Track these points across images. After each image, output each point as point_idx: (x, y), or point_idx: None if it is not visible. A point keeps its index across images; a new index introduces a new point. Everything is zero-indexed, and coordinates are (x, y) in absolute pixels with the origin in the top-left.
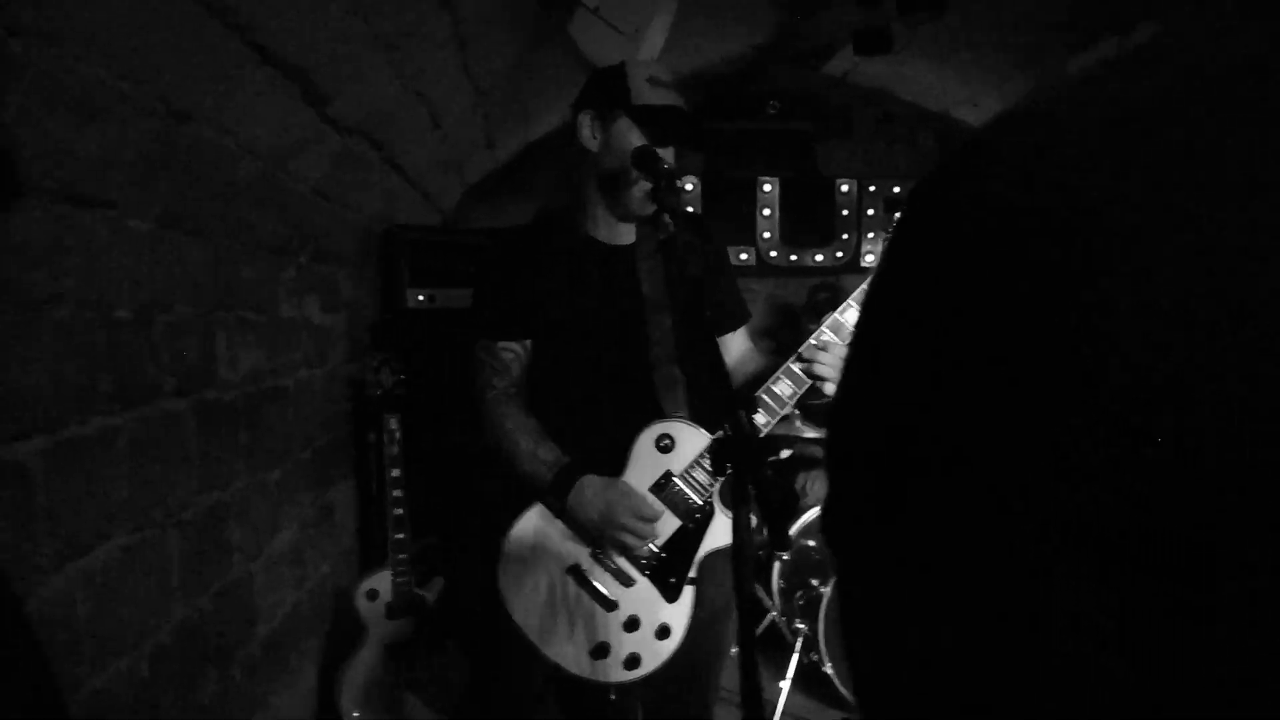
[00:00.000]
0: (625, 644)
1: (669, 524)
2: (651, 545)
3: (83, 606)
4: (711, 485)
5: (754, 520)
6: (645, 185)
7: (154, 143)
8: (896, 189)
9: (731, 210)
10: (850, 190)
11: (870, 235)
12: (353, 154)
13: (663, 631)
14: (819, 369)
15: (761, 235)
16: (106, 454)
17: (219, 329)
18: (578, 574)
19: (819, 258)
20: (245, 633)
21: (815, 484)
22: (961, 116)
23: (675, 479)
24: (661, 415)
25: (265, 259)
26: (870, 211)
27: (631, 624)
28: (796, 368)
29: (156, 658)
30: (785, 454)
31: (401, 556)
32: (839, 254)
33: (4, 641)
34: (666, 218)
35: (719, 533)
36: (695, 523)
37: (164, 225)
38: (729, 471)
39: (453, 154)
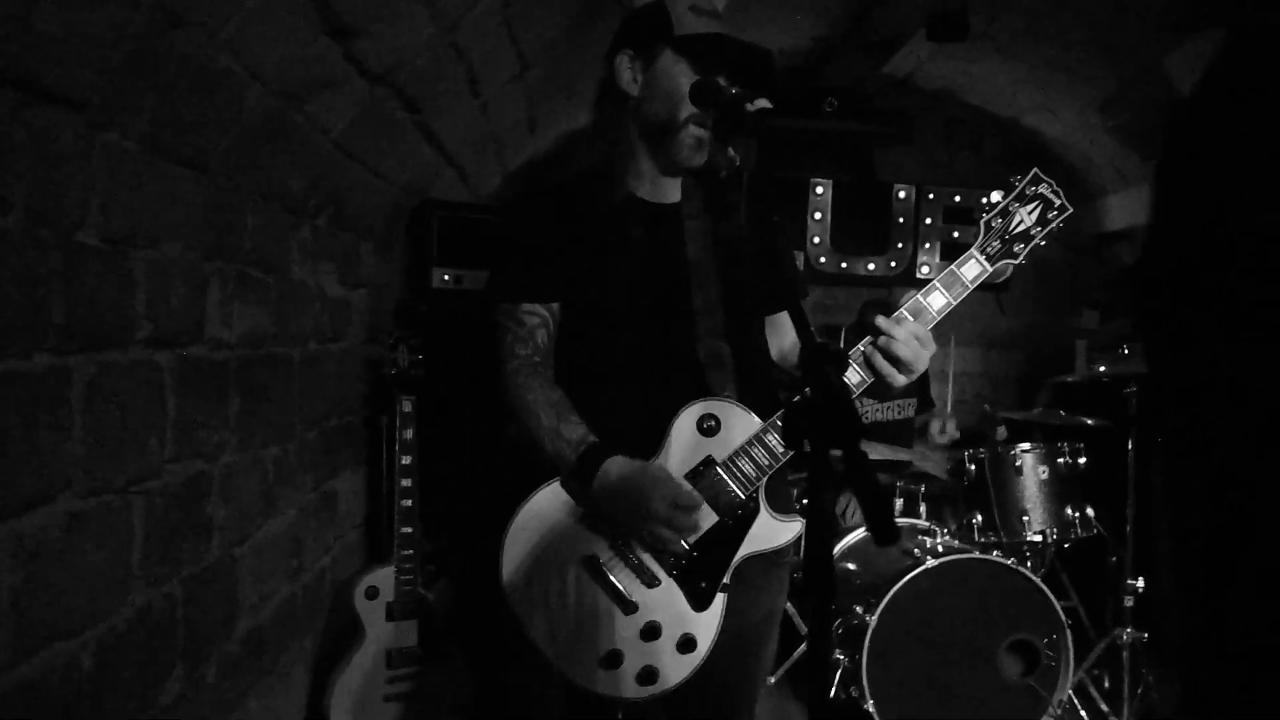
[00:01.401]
0: (641, 654)
1: (705, 518)
2: (684, 542)
3: (8, 576)
4: (759, 479)
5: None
6: (696, 131)
7: (137, 43)
8: (957, 198)
9: (780, 213)
10: (908, 197)
11: (927, 245)
12: (381, 109)
13: (686, 644)
14: (898, 349)
15: (811, 240)
16: (54, 399)
17: (214, 279)
18: (594, 567)
19: (871, 266)
20: (223, 626)
21: (856, 510)
22: (1033, 124)
23: (717, 467)
24: (707, 393)
25: (276, 213)
26: (928, 220)
27: (650, 632)
28: (868, 350)
29: (107, 647)
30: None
31: (407, 553)
32: (893, 263)
33: None
34: (732, 151)
35: (761, 535)
36: (736, 520)
37: (150, 148)
38: (806, 449)
39: (493, 130)
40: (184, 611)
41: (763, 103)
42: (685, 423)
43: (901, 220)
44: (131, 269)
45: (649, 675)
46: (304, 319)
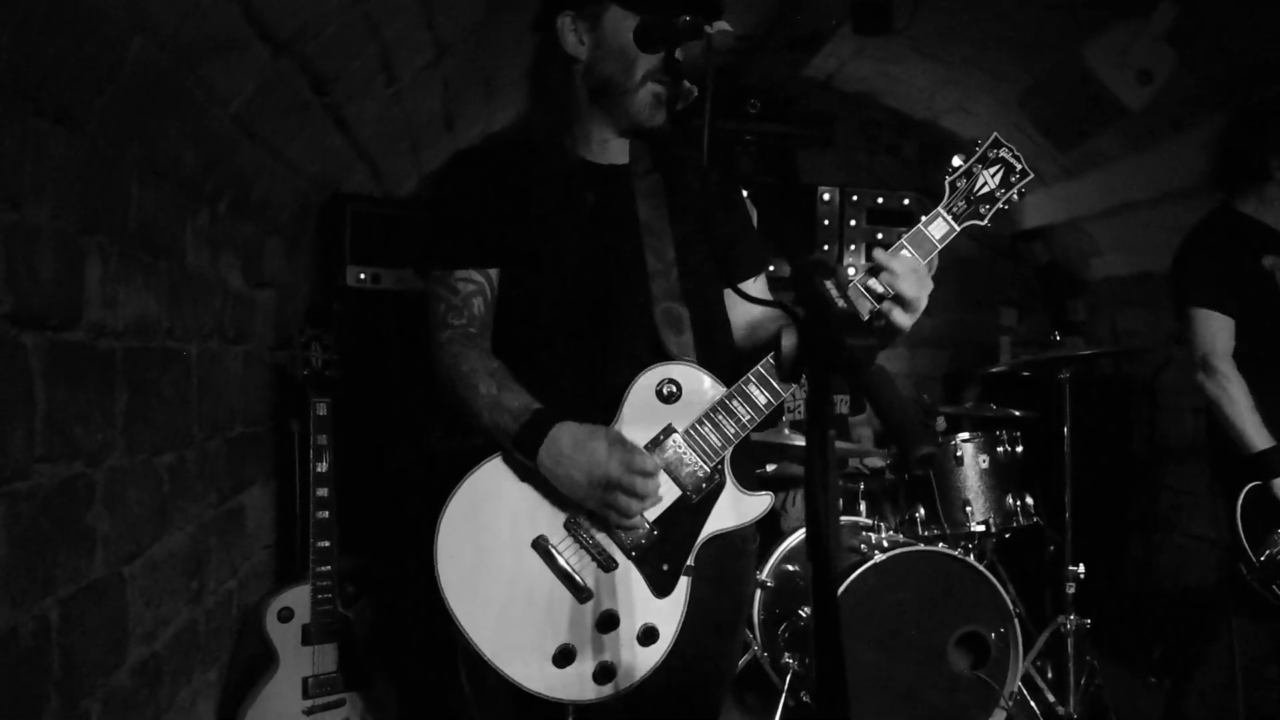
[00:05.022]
0: (598, 649)
1: (667, 493)
2: (644, 519)
3: None
4: (724, 449)
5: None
6: (654, 88)
7: None
8: (880, 200)
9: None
10: (832, 199)
11: (852, 247)
12: (286, 85)
13: (647, 635)
14: (901, 284)
15: None
16: None
17: (93, 255)
18: (543, 549)
19: None
20: (110, 655)
21: (797, 503)
22: (950, 125)
23: (678, 435)
24: (664, 357)
25: (168, 190)
26: (853, 222)
27: (607, 622)
28: (868, 285)
29: None
30: (771, 468)
31: (324, 569)
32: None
33: None
34: (688, 84)
35: (727, 511)
36: (700, 494)
37: (11, 89)
38: (804, 380)
39: (408, 123)
40: (60, 638)
41: (722, 25)
42: (643, 388)
43: (827, 222)
44: None
45: (606, 672)
46: (203, 312)
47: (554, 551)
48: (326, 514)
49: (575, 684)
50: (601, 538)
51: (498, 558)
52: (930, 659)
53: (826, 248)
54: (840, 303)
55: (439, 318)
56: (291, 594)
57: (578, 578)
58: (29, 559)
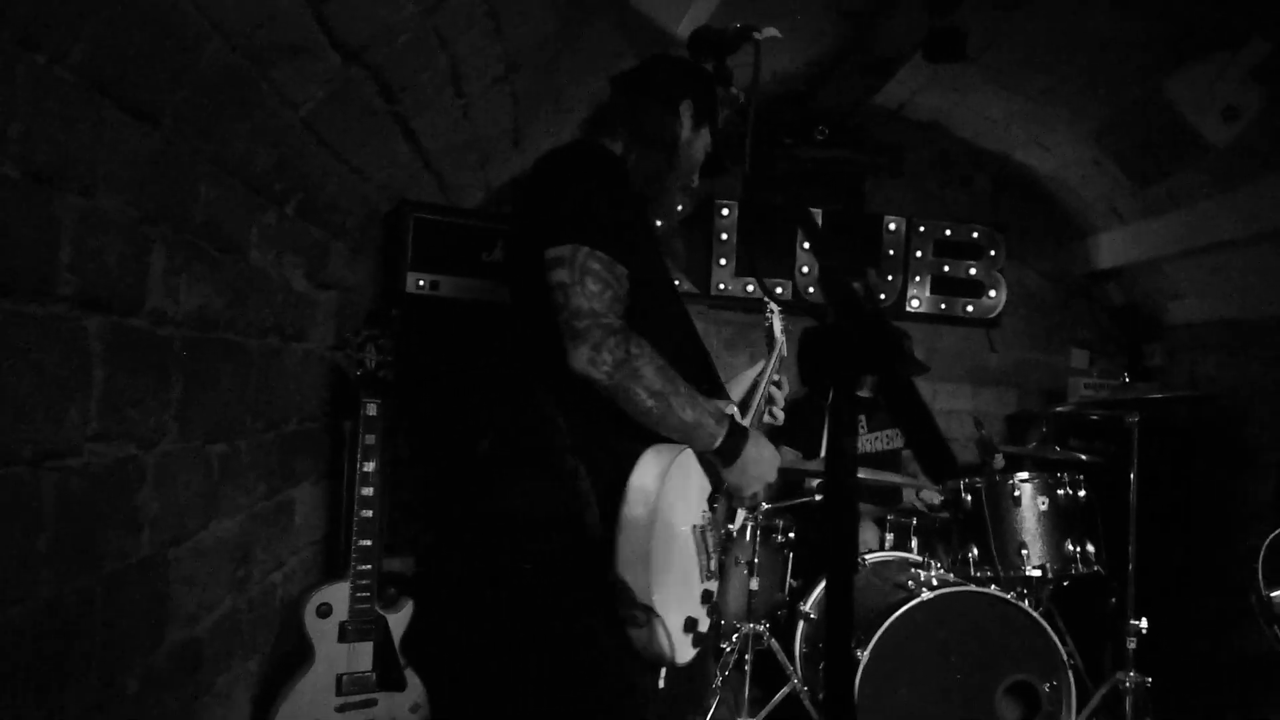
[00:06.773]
0: (699, 621)
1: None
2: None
3: None
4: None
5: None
6: (688, 196)
7: None
8: (948, 232)
9: (770, 240)
10: (899, 229)
11: (918, 278)
12: (356, 92)
13: (714, 607)
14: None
15: (800, 269)
16: None
17: (159, 245)
18: (699, 534)
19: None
20: (149, 635)
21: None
22: (1024, 159)
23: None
24: (719, 389)
25: (236, 188)
26: (919, 253)
27: (706, 598)
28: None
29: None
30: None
31: (365, 568)
32: (882, 296)
33: None
34: (734, 89)
35: None
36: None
37: (88, 83)
38: (822, 384)
39: (476, 137)
40: (103, 613)
41: (770, 31)
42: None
43: (892, 253)
44: (57, 213)
45: (700, 639)
46: (263, 309)
47: (704, 536)
48: (370, 513)
49: (687, 648)
50: (710, 533)
51: (674, 537)
52: (977, 705)
53: (891, 278)
54: (870, 302)
55: (606, 301)
56: (331, 590)
57: (711, 561)
58: (76, 533)
